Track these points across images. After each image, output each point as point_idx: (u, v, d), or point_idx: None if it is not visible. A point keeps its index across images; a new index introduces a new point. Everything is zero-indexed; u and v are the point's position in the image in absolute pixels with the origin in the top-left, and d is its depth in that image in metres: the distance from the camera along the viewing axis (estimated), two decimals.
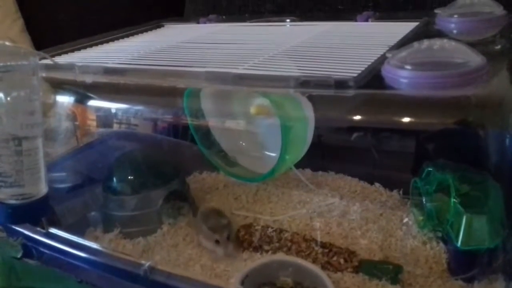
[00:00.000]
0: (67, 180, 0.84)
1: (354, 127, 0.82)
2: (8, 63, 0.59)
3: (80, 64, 0.69)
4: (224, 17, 1.01)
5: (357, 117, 0.68)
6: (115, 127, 0.93)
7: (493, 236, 0.58)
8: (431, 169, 0.69)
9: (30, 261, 0.68)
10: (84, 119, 0.93)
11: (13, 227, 0.68)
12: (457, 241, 0.60)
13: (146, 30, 0.95)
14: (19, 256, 0.67)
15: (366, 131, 0.82)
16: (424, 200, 0.70)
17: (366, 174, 0.86)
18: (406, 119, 0.60)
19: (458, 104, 0.51)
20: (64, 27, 1.28)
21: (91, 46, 0.83)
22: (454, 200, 0.61)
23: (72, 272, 0.65)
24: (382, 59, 0.55)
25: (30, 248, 0.67)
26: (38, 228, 0.68)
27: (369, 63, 0.55)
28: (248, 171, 0.86)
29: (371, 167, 0.87)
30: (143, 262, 0.58)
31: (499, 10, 0.67)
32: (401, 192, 0.82)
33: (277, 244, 0.71)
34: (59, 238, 0.67)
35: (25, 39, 1.28)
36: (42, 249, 0.67)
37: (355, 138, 0.82)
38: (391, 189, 0.83)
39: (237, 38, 0.81)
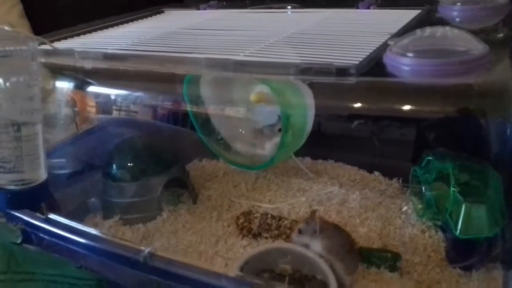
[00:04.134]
0: (67, 166, 0.84)
1: (355, 115, 0.82)
2: (7, 48, 0.58)
3: (79, 49, 0.68)
4: (224, 3, 1.00)
5: (358, 105, 0.67)
6: (115, 113, 0.93)
7: (492, 225, 0.58)
8: (431, 158, 0.69)
9: (30, 247, 0.68)
10: (84, 105, 0.93)
11: (13, 212, 0.68)
12: (456, 230, 0.60)
13: (146, 16, 0.94)
14: (18, 241, 0.67)
15: (366, 119, 0.82)
16: (423, 188, 0.70)
17: (366, 162, 0.87)
18: (407, 107, 0.60)
19: (460, 92, 0.51)
20: (64, 13, 1.27)
21: (90, 31, 0.83)
22: (454, 189, 0.61)
23: (71, 258, 0.65)
24: (384, 46, 0.55)
25: (29, 234, 0.67)
26: (38, 214, 0.68)
27: (371, 51, 0.55)
28: (247, 158, 0.86)
29: (370, 155, 0.87)
30: (142, 248, 0.58)
31: None
32: (400, 180, 0.82)
33: (276, 232, 0.71)
34: (58, 224, 0.67)
35: (24, 25, 1.26)
36: (41, 235, 0.67)
37: (355, 126, 0.82)
38: (391, 178, 0.84)
39: (237, 24, 0.81)
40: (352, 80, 0.49)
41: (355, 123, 0.82)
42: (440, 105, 0.59)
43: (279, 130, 0.80)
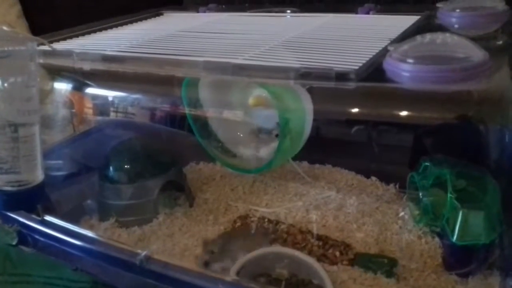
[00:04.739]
0: (63, 167, 0.84)
1: (354, 120, 0.82)
2: (6, 48, 0.58)
3: (78, 51, 0.68)
4: (223, 6, 1.00)
5: (357, 110, 0.68)
6: (112, 115, 0.93)
7: (489, 232, 0.58)
8: (428, 163, 0.69)
9: (25, 249, 0.67)
10: (81, 106, 0.93)
11: (9, 214, 0.68)
12: (452, 236, 0.60)
13: (145, 18, 0.94)
14: (14, 243, 0.67)
15: (364, 124, 0.82)
16: (420, 194, 0.70)
17: (363, 167, 0.86)
18: (406, 113, 0.60)
19: (460, 99, 0.51)
20: (62, 14, 1.27)
21: (89, 33, 0.83)
22: (451, 195, 0.62)
23: (67, 260, 0.65)
24: (384, 52, 0.55)
25: (25, 236, 0.67)
26: (34, 216, 0.67)
27: (371, 56, 0.55)
28: (245, 162, 0.86)
29: (368, 160, 0.87)
30: (139, 251, 0.58)
31: (501, 5, 0.67)
32: (397, 186, 0.82)
33: (273, 236, 0.71)
34: (54, 226, 0.66)
35: (22, 25, 1.26)
36: (37, 237, 0.67)
37: (355, 131, 0.82)
38: (388, 183, 0.83)
39: (236, 28, 0.81)
40: (351, 85, 0.49)
41: (355, 129, 0.82)
42: (440, 112, 0.60)
43: (276, 135, 0.80)
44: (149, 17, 0.95)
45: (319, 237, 0.69)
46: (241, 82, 0.80)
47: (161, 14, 0.98)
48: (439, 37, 0.51)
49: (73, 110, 0.92)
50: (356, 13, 0.83)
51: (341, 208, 0.78)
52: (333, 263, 0.66)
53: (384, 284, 0.62)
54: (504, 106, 0.52)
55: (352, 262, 0.66)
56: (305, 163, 0.91)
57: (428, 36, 0.52)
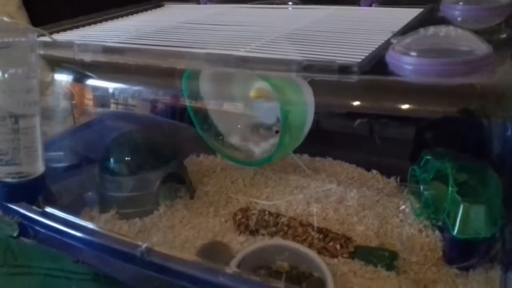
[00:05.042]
0: (64, 159, 0.84)
1: (355, 113, 0.82)
2: (6, 40, 0.58)
3: (79, 42, 0.68)
4: None
5: (359, 103, 0.67)
6: (113, 107, 0.93)
7: (490, 226, 0.58)
8: (429, 157, 0.69)
9: (26, 240, 0.68)
10: (82, 98, 0.92)
11: (10, 205, 0.68)
12: (453, 230, 0.60)
13: (146, 9, 0.94)
14: (15, 235, 0.67)
15: (366, 117, 0.82)
16: (421, 188, 0.70)
17: (364, 160, 0.86)
18: (409, 107, 0.59)
19: (462, 92, 0.51)
20: (63, 5, 1.26)
21: (90, 24, 0.82)
22: (452, 188, 0.61)
23: (68, 251, 0.65)
24: (387, 45, 0.55)
25: (26, 227, 0.67)
26: (35, 207, 0.67)
27: (373, 49, 0.55)
28: (245, 155, 0.86)
29: (369, 153, 0.86)
30: (140, 243, 0.58)
31: None
32: (398, 179, 0.82)
33: (273, 229, 0.71)
34: (55, 218, 0.66)
35: (22, 16, 1.25)
36: (38, 228, 0.67)
37: (358, 124, 0.81)
38: (388, 176, 0.83)
39: (238, 20, 0.80)
40: (354, 78, 0.49)
41: (357, 122, 0.81)
42: (442, 105, 0.59)
43: (277, 131, 0.80)
44: (150, 8, 0.95)
45: (319, 230, 0.69)
46: (242, 75, 0.80)
47: (162, 5, 0.98)
48: (442, 30, 0.51)
49: (74, 102, 0.92)
50: (359, 5, 0.83)
51: (342, 201, 0.78)
52: (334, 256, 0.66)
53: (384, 277, 0.62)
54: (506, 100, 0.52)
55: (352, 255, 0.66)
56: (306, 156, 0.91)
57: (431, 29, 0.51)
